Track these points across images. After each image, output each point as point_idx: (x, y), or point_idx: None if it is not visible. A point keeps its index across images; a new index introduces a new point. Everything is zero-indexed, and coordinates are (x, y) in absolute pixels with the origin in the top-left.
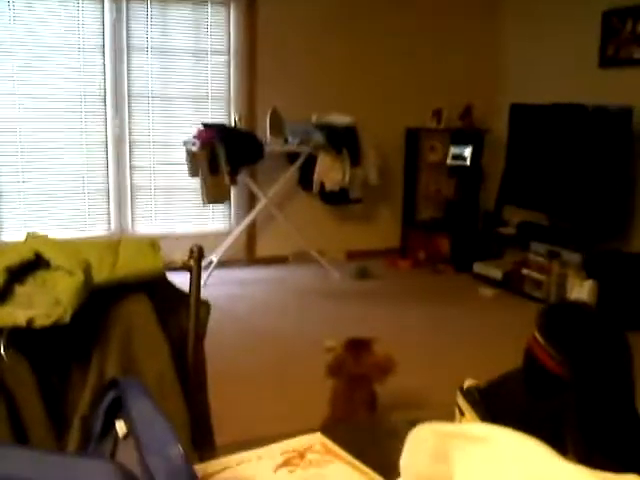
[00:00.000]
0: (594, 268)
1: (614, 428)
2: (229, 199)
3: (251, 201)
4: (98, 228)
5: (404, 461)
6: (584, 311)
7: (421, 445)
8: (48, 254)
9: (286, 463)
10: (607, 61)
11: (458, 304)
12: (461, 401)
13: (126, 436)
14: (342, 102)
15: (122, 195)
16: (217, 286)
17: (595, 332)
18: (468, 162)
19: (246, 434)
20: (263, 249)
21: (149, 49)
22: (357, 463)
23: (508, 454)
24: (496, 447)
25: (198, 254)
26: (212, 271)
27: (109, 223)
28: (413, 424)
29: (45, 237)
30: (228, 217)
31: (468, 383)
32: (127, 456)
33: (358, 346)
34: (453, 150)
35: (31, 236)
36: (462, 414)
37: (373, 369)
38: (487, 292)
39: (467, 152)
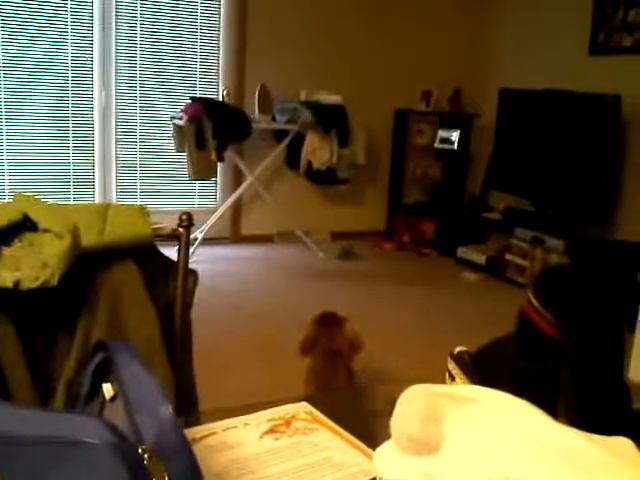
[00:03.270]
0: (577, 255)
1: (607, 390)
2: (215, 175)
3: (237, 178)
4: (82, 201)
5: (395, 422)
6: (579, 274)
7: (412, 406)
8: (36, 216)
9: (272, 430)
10: (597, 48)
11: (441, 287)
12: (452, 366)
13: (113, 398)
14: (331, 80)
15: (107, 169)
16: (201, 263)
17: (590, 295)
18: (455, 146)
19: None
20: (248, 227)
21: (138, 21)
22: (342, 431)
23: (499, 415)
24: (487, 408)
25: (188, 221)
26: (197, 248)
27: (93, 197)
28: (393, 401)
29: (33, 198)
30: (214, 194)
31: (459, 349)
32: (114, 417)
33: (329, 321)
34: (441, 133)
35: (19, 197)
36: (452, 379)
37: (345, 346)
38: (470, 276)
39: (455, 136)
